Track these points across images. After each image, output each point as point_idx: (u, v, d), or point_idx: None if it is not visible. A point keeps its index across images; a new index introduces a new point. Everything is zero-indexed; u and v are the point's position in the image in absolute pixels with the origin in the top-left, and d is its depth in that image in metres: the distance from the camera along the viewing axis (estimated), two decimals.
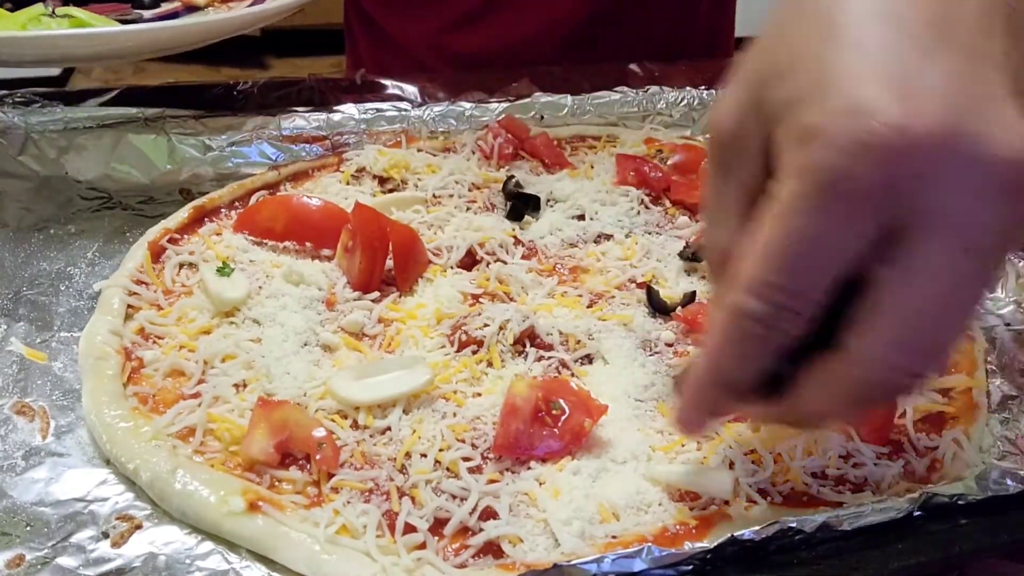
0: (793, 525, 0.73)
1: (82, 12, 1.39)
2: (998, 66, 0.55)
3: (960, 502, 0.78)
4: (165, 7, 1.59)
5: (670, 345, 1.02)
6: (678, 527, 0.79)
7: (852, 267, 0.55)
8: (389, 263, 1.08)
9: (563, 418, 0.87)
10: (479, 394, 0.92)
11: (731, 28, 2.03)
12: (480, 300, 1.06)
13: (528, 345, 0.99)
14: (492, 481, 0.83)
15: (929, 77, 0.53)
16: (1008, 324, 1.08)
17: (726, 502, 0.82)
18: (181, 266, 1.09)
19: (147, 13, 1.56)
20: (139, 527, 0.79)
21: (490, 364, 0.96)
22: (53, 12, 1.41)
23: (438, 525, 0.79)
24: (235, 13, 1.44)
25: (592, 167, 1.36)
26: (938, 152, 0.52)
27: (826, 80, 0.54)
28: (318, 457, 0.82)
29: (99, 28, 1.35)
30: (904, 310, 0.55)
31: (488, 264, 1.13)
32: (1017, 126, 0.53)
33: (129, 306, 1.01)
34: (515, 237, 1.19)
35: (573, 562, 0.70)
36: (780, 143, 0.56)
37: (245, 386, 0.92)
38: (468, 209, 1.24)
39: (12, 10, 1.42)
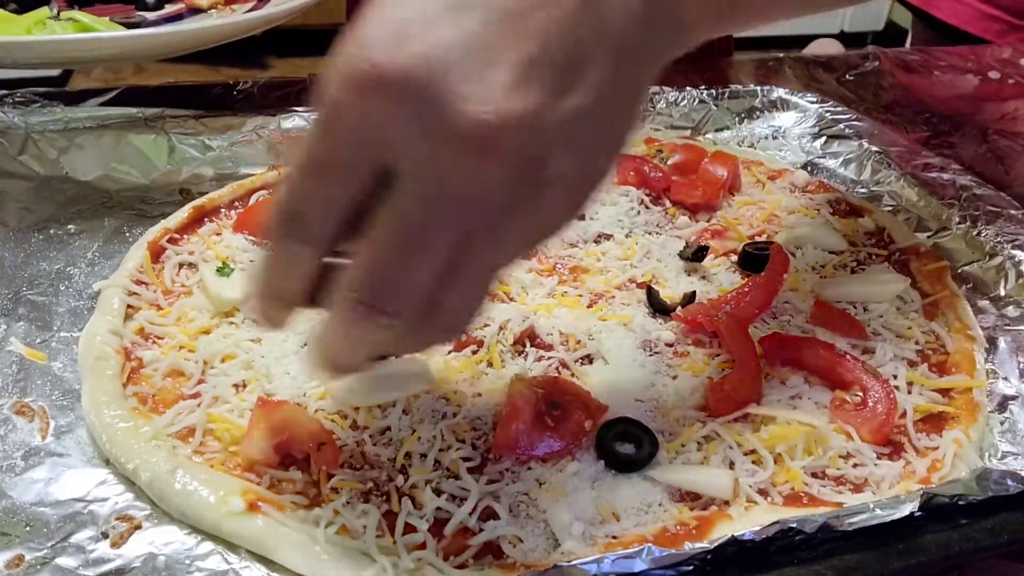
0: (793, 525, 0.73)
1: (86, 16, 1.39)
2: (531, 34, 0.57)
3: (960, 502, 0.78)
4: (169, 9, 1.59)
5: (670, 345, 1.02)
6: (678, 527, 0.79)
7: (358, 194, 0.60)
8: None
9: (563, 418, 0.87)
10: (479, 394, 0.92)
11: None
12: None
13: (528, 345, 0.99)
14: (492, 481, 0.83)
15: (435, 29, 0.56)
16: (1008, 324, 1.08)
17: (726, 502, 0.82)
18: (181, 266, 1.09)
19: (151, 16, 1.56)
20: (139, 527, 0.79)
21: (490, 364, 0.96)
22: (58, 15, 1.41)
23: (438, 525, 0.78)
24: (238, 17, 1.44)
25: None
26: (406, 95, 0.55)
27: (354, 28, 0.58)
28: (318, 457, 0.82)
29: (103, 33, 1.35)
30: (373, 248, 0.60)
31: None
32: (501, 93, 0.55)
33: (129, 306, 1.01)
34: None
35: (573, 562, 0.70)
36: None
37: (245, 386, 0.92)
38: None
39: (18, 12, 1.42)
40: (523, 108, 0.56)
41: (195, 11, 1.59)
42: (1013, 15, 2.17)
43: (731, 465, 0.85)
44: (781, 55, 1.96)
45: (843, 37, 5.95)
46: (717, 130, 1.55)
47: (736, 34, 1.08)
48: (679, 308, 1.04)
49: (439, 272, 0.60)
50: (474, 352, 0.98)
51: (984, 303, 1.12)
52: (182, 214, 1.18)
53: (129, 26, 1.43)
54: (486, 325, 0.99)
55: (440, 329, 0.67)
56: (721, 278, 1.14)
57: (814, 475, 0.85)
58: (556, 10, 0.58)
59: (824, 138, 1.50)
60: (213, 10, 1.59)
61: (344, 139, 0.58)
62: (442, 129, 0.55)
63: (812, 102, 1.56)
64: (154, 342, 0.98)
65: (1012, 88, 1.86)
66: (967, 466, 0.87)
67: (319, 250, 0.64)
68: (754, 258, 1.13)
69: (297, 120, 1.38)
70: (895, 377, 0.96)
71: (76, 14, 1.40)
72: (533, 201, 0.60)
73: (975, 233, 1.19)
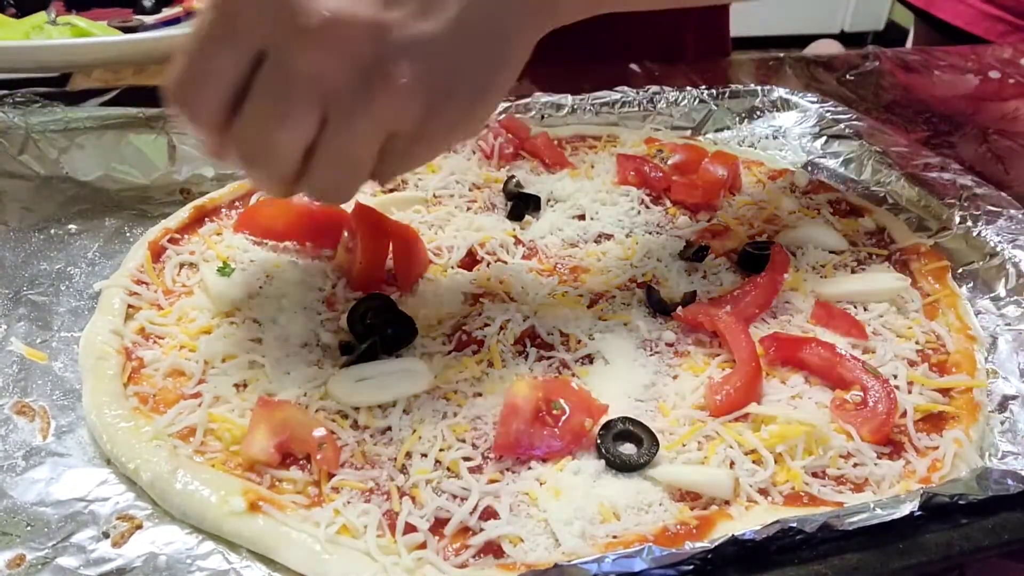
0: (794, 525, 0.73)
1: (83, 20, 1.40)
2: None
3: (961, 502, 0.78)
4: (166, 13, 1.59)
5: (670, 345, 1.02)
6: (679, 527, 0.79)
7: (240, 71, 0.72)
8: (389, 263, 1.08)
9: (563, 418, 0.87)
10: (480, 394, 0.92)
11: (727, 26, 2.03)
12: (481, 300, 1.06)
13: (529, 345, 1.00)
14: (492, 481, 0.83)
15: None
16: (1009, 324, 1.08)
17: (727, 502, 0.82)
18: (181, 266, 1.09)
19: (148, 20, 1.56)
20: (140, 527, 0.79)
21: (491, 364, 0.96)
22: (55, 20, 1.42)
23: (438, 525, 0.79)
24: None
25: (592, 167, 1.36)
26: None
27: None
28: (318, 457, 0.82)
29: (100, 38, 1.35)
30: (242, 114, 0.74)
31: (488, 264, 1.13)
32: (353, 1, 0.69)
33: (129, 306, 1.01)
34: (515, 237, 1.19)
35: (574, 562, 0.70)
36: None
37: (245, 386, 0.92)
38: (468, 209, 1.24)
39: (16, 16, 1.42)
40: (370, 16, 0.69)
41: (193, 14, 1.59)
42: (1016, 15, 2.17)
43: (731, 465, 0.85)
44: (781, 55, 1.97)
45: (843, 37, 5.96)
46: (717, 130, 1.55)
47: (648, 8, 1.17)
48: (679, 308, 1.04)
49: (300, 143, 0.74)
50: (475, 352, 0.98)
51: (984, 303, 1.12)
52: (183, 214, 1.18)
53: (127, 30, 1.43)
54: (486, 325, 0.99)
55: (316, 193, 0.82)
56: (721, 278, 1.14)
57: (814, 475, 0.85)
58: None
59: (824, 138, 1.51)
60: None
61: (226, 23, 0.71)
62: (294, 19, 0.68)
63: (812, 102, 1.56)
64: (155, 342, 0.98)
65: (1012, 88, 1.86)
66: (967, 466, 0.87)
67: (209, 127, 0.76)
68: (754, 258, 1.13)
69: None
70: (895, 377, 0.97)
71: (73, 19, 1.40)
72: (374, 101, 0.72)
73: (975, 233, 1.19)
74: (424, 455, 0.84)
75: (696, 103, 1.56)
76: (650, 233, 1.22)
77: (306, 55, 0.70)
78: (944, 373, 0.99)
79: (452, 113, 0.78)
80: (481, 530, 0.78)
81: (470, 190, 1.28)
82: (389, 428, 0.88)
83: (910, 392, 0.96)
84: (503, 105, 1.46)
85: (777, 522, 0.73)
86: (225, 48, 0.72)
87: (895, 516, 0.75)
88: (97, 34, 1.37)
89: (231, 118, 0.75)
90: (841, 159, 1.46)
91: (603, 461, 0.85)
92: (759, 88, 1.59)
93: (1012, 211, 1.22)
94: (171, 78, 0.75)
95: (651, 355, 1.00)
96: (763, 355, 0.97)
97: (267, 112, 0.73)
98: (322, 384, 0.91)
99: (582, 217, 1.24)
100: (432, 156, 0.86)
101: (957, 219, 1.23)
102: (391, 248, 1.07)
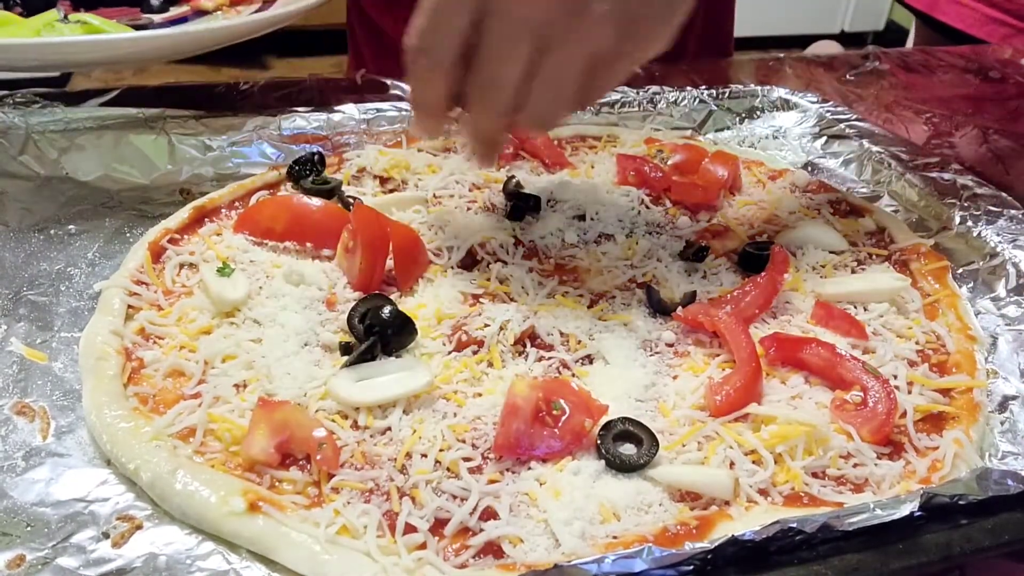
0: (794, 525, 0.73)
1: (94, 18, 1.40)
2: None
3: (961, 502, 0.78)
4: (174, 12, 1.59)
5: (670, 345, 1.02)
6: (679, 527, 0.79)
7: (467, 27, 0.88)
8: (390, 263, 1.08)
9: (563, 418, 0.87)
10: (480, 394, 0.92)
11: (731, 28, 2.03)
12: (480, 300, 1.06)
13: (529, 345, 1.00)
14: (492, 481, 0.83)
15: None
16: (1009, 324, 1.08)
17: (726, 502, 0.82)
18: (181, 266, 1.09)
19: (157, 18, 1.56)
20: (140, 527, 0.79)
21: (491, 364, 0.96)
22: (65, 17, 1.42)
23: (438, 525, 0.79)
24: (245, 18, 1.44)
25: (593, 167, 1.36)
26: None
27: None
28: (318, 457, 0.82)
29: (112, 35, 1.35)
30: (477, 60, 0.91)
31: (489, 264, 1.13)
32: None
33: (129, 306, 1.01)
34: (516, 237, 1.19)
35: (574, 562, 0.70)
36: None
37: (245, 386, 0.92)
38: (469, 209, 1.24)
39: (24, 15, 1.42)
40: None
41: (201, 13, 1.59)
42: (1018, 18, 2.17)
43: (731, 465, 0.85)
44: (782, 55, 1.97)
45: (843, 37, 5.96)
46: (717, 130, 1.56)
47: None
48: (679, 308, 1.04)
49: (522, 75, 0.90)
50: (475, 352, 0.98)
51: (984, 303, 1.12)
52: (182, 214, 1.18)
53: (136, 28, 1.44)
54: (486, 325, 0.99)
55: (532, 119, 0.96)
56: (721, 278, 1.14)
57: (814, 475, 0.85)
58: None
59: (824, 138, 1.51)
60: (219, 12, 1.59)
61: None
62: None
63: (812, 102, 1.56)
64: (155, 342, 0.98)
65: (1013, 88, 1.86)
66: (967, 466, 0.87)
67: (446, 69, 0.92)
68: (754, 258, 1.13)
69: (298, 120, 1.38)
70: (895, 377, 0.96)
71: (84, 16, 1.40)
72: (579, 30, 0.87)
73: (975, 233, 1.19)
74: (424, 455, 0.84)
75: (696, 103, 1.56)
76: (650, 233, 1.22)
77: (520, 3, 0.86)
78: (944, 373, 0.99)
79: (643, 34, 0.92)
80: (481, 530, 0.78)
81: (470, 190, 1.28)
82: (389, 428, 0.87)
83: (910, 392, 0.96)
84: None
85: (777, 522, 0.73)
86: (458, 7, 0.88)
87: (895, 516, 0.75)
88: (109, 32, 1.37)
89: (458, 65, 0.92)
90: (841, 159, 1.46)
91: (603, 461, 0.85)
92: (759, 88, 1.59)
93: (1012, 211, 1.22)
94: (413, 32, 0.91)
95: (651, 355, 1.00)
96: (763, 355, 0.97)
97: (494, 52, 0.89)
98: (322, 384, 0.91)
99: (582, 217, 1.24)
100: (628, 73, 0.96)
101: (957, 219, 1.23)
102: (391, 248, 1.07)
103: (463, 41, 0.90)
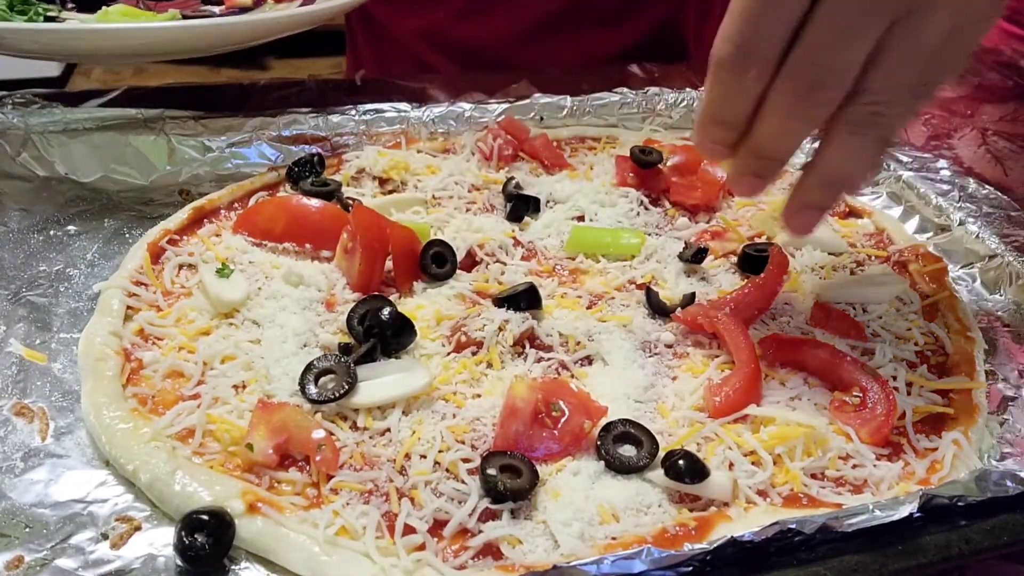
0: (793, 526, 0.73)
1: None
2: None
3: (960, 503, 0.78)
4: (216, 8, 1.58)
5: (669, 346, 1.02)
6: (678, 528, 0.79)
7: (797, 17, 0.76)
8: (389, 264, 1.08)
9: (563, 420, 0.87)
10: (479, 395, 0.92)
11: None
12: (480, 301, 1.06)
13: (528, 346, 0.99)
14: None
15: None
16: (1007, 325, 1.08)
17: (725, 503, 0.82)
18: (180, 267, 1.09)
19: (216, 9, 1.56)
20: (138, 528, 0.79)
21: (490, 365, 0.96)
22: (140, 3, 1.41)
23: (437, 526, 0.78)
24: (293, 11, 1.40)
25: (592, 168, 1.36)
26: None
27: None
28: (318, 458, 0.82)
29: (216, 20, 1.33)
30: (813, 35, 0.77)
31: (488, 265, 1.13)
32: None
33: (128, 307, 1.01)
34: (515, 238, 1.19)
35: (573, 563, 0.70)
36: None
37: (244, 387, 0.92)
38: (468, 210, 1.24)
39: (78, 11, 1.42)
40: None
41: (245, 10, 1.56)
42: (1018, 25, 2.18)
43: (730, 466, 0.85)
44: None
45: None
46: None
47: None
48: (679, 309, 1.05)
49: (866, 54, 0.77)
50: (474, 353, 0.98)
51: (984, 304, 1.12)
52: (182, 215, 1.18)
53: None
54: (486, 326, 0.99)
55: (866, 116, 0.81)
56: (721, 279, 1.14)
57: (813, 476, 0.85)
58: None
59: None
60: (264, 6, 1.57)
61: None
62: None
63: None
64: (154, 343, 0.98)
65: (1011, 89, 1.86)
66: (966, 467, 0.87)
67: (766, 72, 0.80)
68: (754, 259, 1.13)
69: (297, 121, 1.38)
70: (894, 378, 0.96)
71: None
72: (922, 16, 0.76)
73: (974, 234, 1.19)
74: (423, 456, 0.84)
75: (695, 104, 1.55)
76: (649, 234, 1.22)
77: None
78: (943, 375, 0.99)
79: (969, 37, 0.82)
80: (480, 531, 0.78)
81: (469, 191, 1.28)
82: (388, 429, 0.87)
83: (909, 394, 0.96)
84: (502, 106, 1.47)
85: (776, 523, 0.73)
86: None
87: (894, 518, 0.75)
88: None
89: (779, 63, 0.79)
90: None
91: (602, 462, 0.85)
92: None
93: (1012, 212, 1.22)
94: (726, 37, 0.80)
95: (650, 356, 1.00)
96: (762, 356, 0.97)
97: (834, 32, 0.76)
98: None
99: (581, 218, 1.24)
100: (974, 47, 0.84)
101: (956, 220, 1.23)
102: (390, 249, 1.07)
103: (794, 30, 0.77)
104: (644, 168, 1.30)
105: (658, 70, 1.67)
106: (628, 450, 0.85)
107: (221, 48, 1.35)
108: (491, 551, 0.77)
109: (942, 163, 1.36)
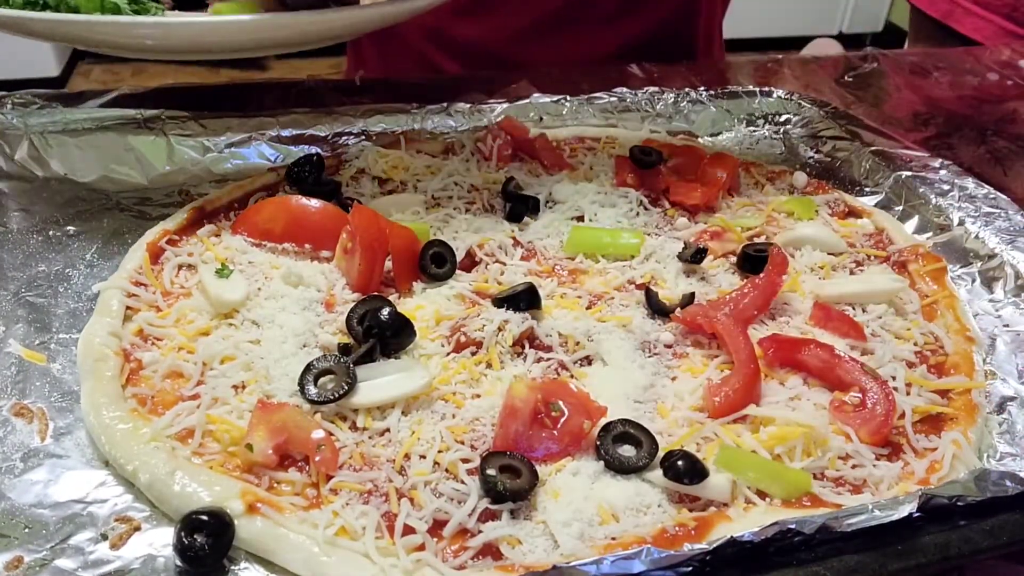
0: (792, 526, 0.73)
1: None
2: None
3: (959, 503, 0.78)
4: None
5: (669, 346, 1.02)
6: (677, 528, 0.79)
7: None
8: (388, 264, 1.08)
9: (562, 420, 0.87)
10: (478, 395, 0.92)
11: (719, 32, 2.03)
12: (479, 302, 1.06)
13: (527, 346, 0.99)
14: None
15: None
16: (1007, 325, 1.08)
17: (725, 503, 0.82)
18: (180, 267, 1.09)
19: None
20: (138, 529, 0.79)
21: (489, 365, 0.96)
22: None
23: (437, 526, 0.78)
24: (386, 6, 1.37)
25: (591, 168, 1.36)
26: None
27: None
28: (317, 459, 0.82)
29: (312, 13, 1.27)
30: None
31: (487, 266, 1.13)
32: None
33: (128, 307, 1.01)
34: (514, 238, 1.19)
35: (572, 564, 0.70)
36: None
37: (244, 387, 0.92)
38: (467, 211, 1.24)
39: (173, 9, 1.41)
40: None
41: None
42: (1019, 25, 2.18)
43: None
44: (780, 56, 1.97)
45: (842, 38, 5.95)
46: (716, 132, 1.55)
47: None
48: (678, 309, 1.04)
49: None
50: (473, 353, 0.98)
51: (983, 304, 1.12)
52: (181, 215, 1.18)
53: None
54: (485, 326, 0.99)
55: None
56: (720, 279, 1.14)
57: (813, 476, 0.85)
58: None
59: (823, 139, 1.51)
60: None
61: None
62: None
63: (811, 103, 1.56)
64: (153, 343, 0.98)
65: (1011, 89, 1.86)
66: (966, 467, 0.87)
67: None
68: (753, 259, 1.13)
69: (297, 121, 1.38)
70: (894, 378, 0.97)
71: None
72: None
73: (974, 234, 1.20)
74: (423, 456, 0.84)
75: (695, 105, 1.56)
76: (649, 234, 1.22)
77: None
78: (943, 374, 0.99)
79: None
80: (480, 532, 0.78)
81: (469, 192, 1.28)
82: (388, 430, 0.87)
83: (908, 394, 0.96)
84: (502, 106, 1.47)
85: (775, 523, 0.73)
86: None
87: (894, 518, 0.75)
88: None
89: None
90: (840, 160, 1.46)
91: (601, 463, 0.85)
92: (757, 89, 1.59)
93: (1011, 212, 1.22)
94: None
95: (650, 357, 1.00)
96: (762, 357, 0.97)
97: None
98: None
99: (581, 219, 1.24)
100: None
101: (956, 220, 1.23)
102: (390, 250, 1.07)
103: None
104: (643, 168, 1.30)
105: (658, 70, 1.67)
106: (627, 450, 0.85)
107: (319, 43, 1.30)
108: (491, 551, 0.77)
109: (941, 163, 1.36)
